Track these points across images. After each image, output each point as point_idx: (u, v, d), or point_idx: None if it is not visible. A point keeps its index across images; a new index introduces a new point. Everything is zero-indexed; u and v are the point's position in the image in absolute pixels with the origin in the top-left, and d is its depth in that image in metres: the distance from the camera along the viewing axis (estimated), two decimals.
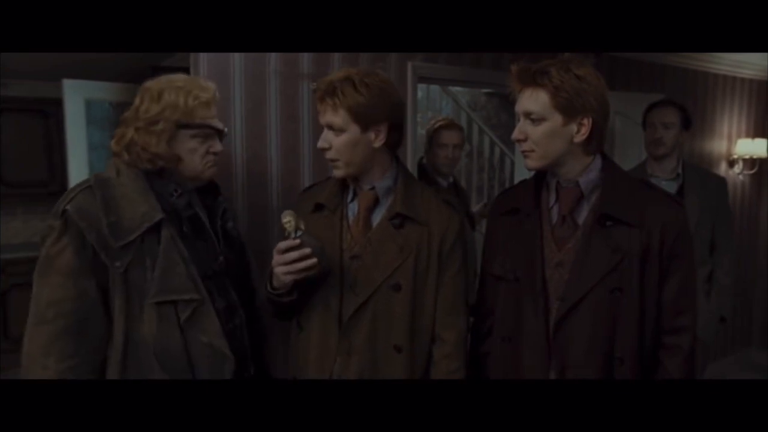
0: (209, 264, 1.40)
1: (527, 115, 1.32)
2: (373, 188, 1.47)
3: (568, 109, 1.28)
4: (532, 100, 1.30)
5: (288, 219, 1.31)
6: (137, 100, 1.38)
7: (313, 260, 1.31)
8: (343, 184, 1.52)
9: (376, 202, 1.48)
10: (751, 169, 4.18)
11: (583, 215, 1.36)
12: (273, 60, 2.15)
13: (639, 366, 1.33)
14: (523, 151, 1.35)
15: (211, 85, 1.42)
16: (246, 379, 1.45)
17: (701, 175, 2.65)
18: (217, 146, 1.43)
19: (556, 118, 1.29)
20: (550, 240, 1.38)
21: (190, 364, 1.32)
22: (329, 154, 1.42)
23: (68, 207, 1.27)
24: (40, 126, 4.24)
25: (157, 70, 3.38)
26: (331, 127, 1.40)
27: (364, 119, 1.39)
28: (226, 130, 1.46)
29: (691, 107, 2.73)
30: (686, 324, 1.34)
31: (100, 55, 1.36)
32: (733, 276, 2.65)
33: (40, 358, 1.25)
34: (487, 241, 1.55)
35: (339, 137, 1.40)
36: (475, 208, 3.13)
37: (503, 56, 2.78)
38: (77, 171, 2.66)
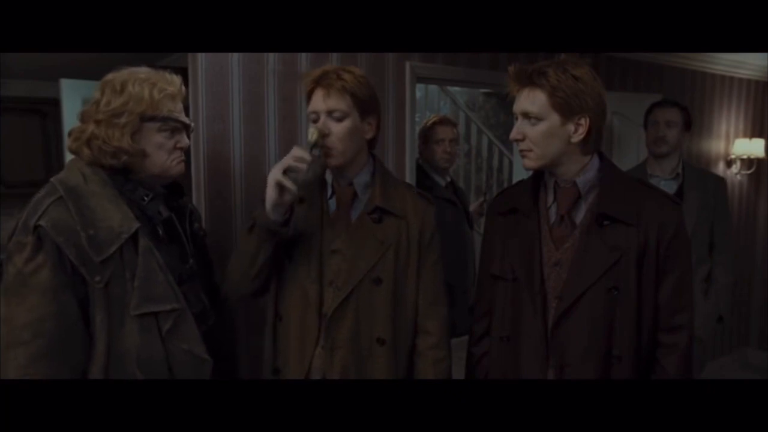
0: (182, 268, 1.36)
1: (525, 115, 1.32)
2: (351, 184, 1.48)
3: (566, 109, 1.28)
4: (530, 100, 1.30)
5: (313, 131, 1.38)
6: (97, 94, 1.31)
7: (303, 166, 1.32)
8: (321, 180, 1.52)
9: (354, 197, 1.49)
10: (749, 169, 4.19)
11: (580, 215, 1.37)
12: (271, 60, 2.14)
13: (637, 364, 1.33)
14: (521, 151, 1.36)
15: (177, 79, 1.36)
16: (223, 379, 1.43)
17: (700, 175, 2.66)
18: (184, 141, 1.36)
19: (554, 118, 1.29)
20: (549, 239, 1.38)
21: (171, 372, 1.28)
22: (327, 141, 1.40)
23: (42, 222, 1.19)
24: (37, 126, 4.24)
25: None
26: (331, 113, 1.40)
27: (363, 107, 1.42)
28: (192, 125, 1.40)
29: (689, 107, 2.74)
30: (683, 322, 1.35)
31: (97, 54, 1.37)
32: (731, 275, 2.66)
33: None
34: (485, 241, 1.55)
35: (341, 123, 1.40)
36: (472, 206, 3.14)
37: (501, 56, 2.78)
38: None
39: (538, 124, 1.31)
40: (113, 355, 1.23)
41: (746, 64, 4.05)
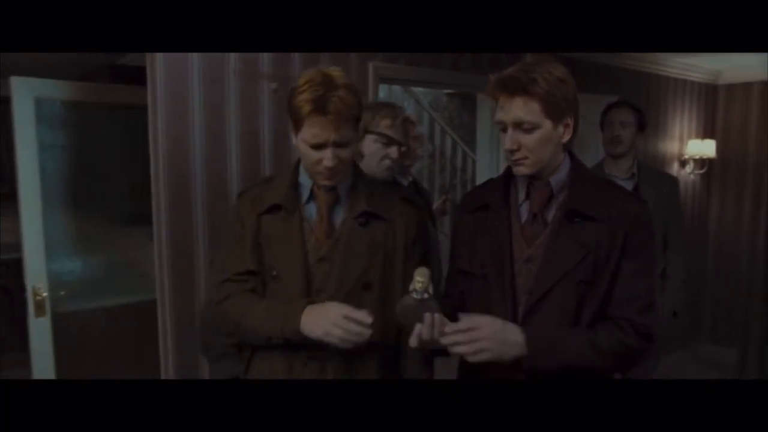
0: None
1: (518, 124, 1.30)
2: (334, 188, 1.43)
3: (557, 113, 1.29)
4: (525, 109, 1.28)
5: (421, 279, 1.27)
6: None
7: (367, 331, 1.30)
8: (295, 183, 1.47)
9: (336, 201, 1.45)
10: (701, 168, 4.34)
11: (552, 213, 1.38)
12: (232, 60, 2.12)
13: None
14: (515, 160, 1.34)
15: (399, 107, 1.98)
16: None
17: (655, 174, 2.74)
18: (394, 153, 1.88)
19: (547, 124, 1.30)
20: (520, 237, 1.38)
21: None
22: (338, 168, 1.36)
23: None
24: None
25: (112, 69, 3.29)
26: (339, 144, 1.33)
27: (357, 123, 1.38)
28: (403, 144, 1.91)
29: (644, 109, 2.82)
30: (646, 304, 1.34)
31: (53, 53, 1.33)
32: (684, 272, 2.75)
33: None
34: (455, 238, 1.55)
35: (346, 149, 1.36)
36: (435, 205, 3.15)
37: (463, 57, 2.81)
38: (26, 171, 2.53)
39: (533, 132, 1.29)
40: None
41: (697, 68, 4.19)
